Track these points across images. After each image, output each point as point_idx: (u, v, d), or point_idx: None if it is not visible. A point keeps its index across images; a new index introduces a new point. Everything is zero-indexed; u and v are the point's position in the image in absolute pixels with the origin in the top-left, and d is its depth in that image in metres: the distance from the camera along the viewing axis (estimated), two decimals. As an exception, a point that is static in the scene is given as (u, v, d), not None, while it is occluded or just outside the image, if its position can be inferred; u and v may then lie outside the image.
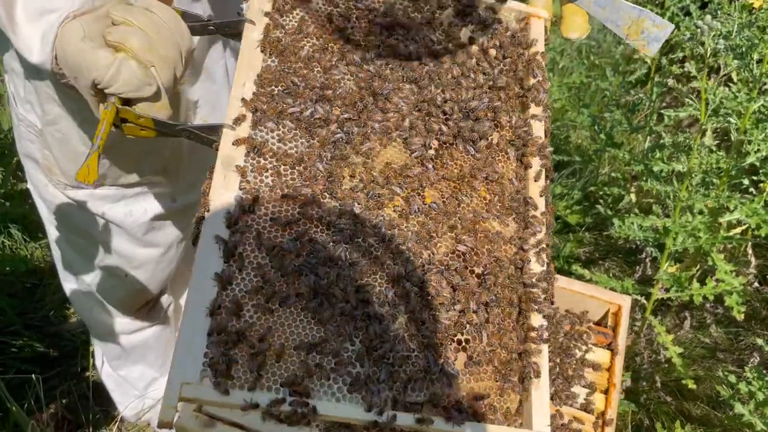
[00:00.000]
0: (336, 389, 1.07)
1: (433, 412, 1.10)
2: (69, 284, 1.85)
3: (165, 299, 1.98)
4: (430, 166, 1.31)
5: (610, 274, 2.47)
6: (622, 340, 1.66)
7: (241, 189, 1.13)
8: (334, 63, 1.30)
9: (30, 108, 1.46)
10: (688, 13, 3.13)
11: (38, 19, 1.07)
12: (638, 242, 2.41)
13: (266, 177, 1.16)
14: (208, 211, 1.10)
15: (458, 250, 1.25)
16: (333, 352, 1.08)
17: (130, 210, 1.64)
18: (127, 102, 1.09)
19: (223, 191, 1.12)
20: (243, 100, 1.20)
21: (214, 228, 1.10)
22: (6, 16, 1.07)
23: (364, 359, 1.09)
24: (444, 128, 1.32)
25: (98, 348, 2.10)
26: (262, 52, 1.26)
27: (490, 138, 1.34)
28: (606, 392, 1.61)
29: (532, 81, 1.39)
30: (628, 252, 2.75)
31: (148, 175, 1.60)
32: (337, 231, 1.16)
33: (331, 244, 1.15)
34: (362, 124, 1.28)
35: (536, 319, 1.24)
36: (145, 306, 1.92)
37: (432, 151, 1.32)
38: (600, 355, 1.65)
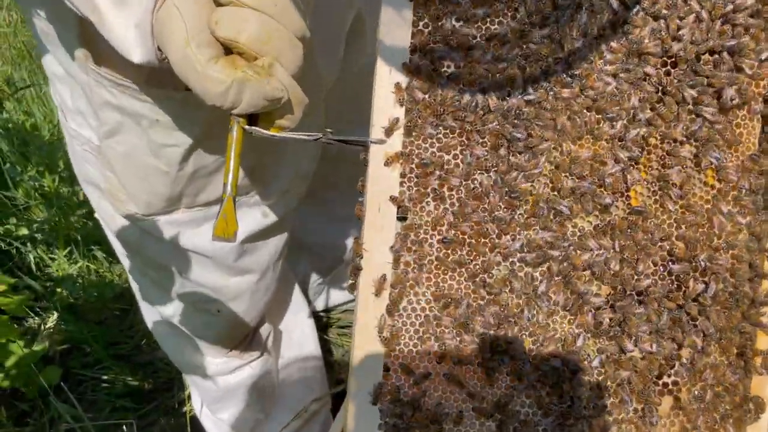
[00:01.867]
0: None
1: None
2: (155, 326, 1.53)
3: (264, 330, 1.63)
4: (637, 151, 0.89)
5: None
6: None
7: (398, 220, 0.90)
8: (508, 24, 0.87)
9: (82, 120, 1.11)
10: None
11: (125, 3, 0.78)
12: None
13: (427, 204, 0.90)
14: (362, 258, 0.90)
15: (669, 268, 0.95)
16: (517, 412, 0.93)
17: None
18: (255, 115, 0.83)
19: (378, 232, 0.90)
20: (396, 86, 0.87)
21: (371, 276, 0.91)
22: (88, 7, 0.77)
23: (552, 416, 0.93)
24: (664, 96, 0.89)
25: (194, 391, 1.78)
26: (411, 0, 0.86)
27: (730, 100, 0.89)
28: None
29: None
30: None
31: None
32: (517, 262, 0.92)
33: (511, 282, 0.92)
34: (546, 106, 0.87)
35: (764, 343, 1.00)
36: (243, 341, 1.57)
37: (642, 130, 0.89)
38: None
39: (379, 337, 0.88)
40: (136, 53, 0.80)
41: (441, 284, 0.90)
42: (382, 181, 0.88)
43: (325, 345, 2.21)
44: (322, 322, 2.32)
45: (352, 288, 0.91)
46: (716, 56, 0.91)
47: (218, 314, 1.42)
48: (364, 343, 0.89)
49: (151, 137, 1.07)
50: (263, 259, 1.43)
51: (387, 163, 0.87)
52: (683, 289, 0.94)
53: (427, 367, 0.90)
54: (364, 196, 0.89)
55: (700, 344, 0.95)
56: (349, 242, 2.01)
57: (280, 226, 1.41)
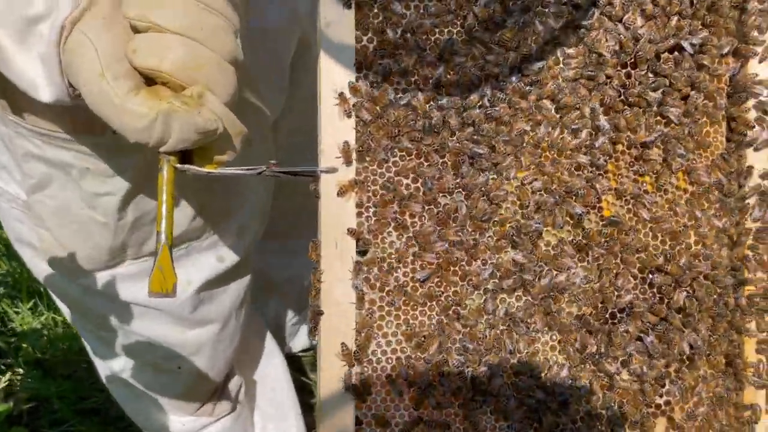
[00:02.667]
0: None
1: None
2: (114, 387, 1.40)
3: (234, 383, 1.51)
4: (603, 159, 0.82)
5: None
6: None
7: (358, 255, 0.79)
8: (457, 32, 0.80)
9: (6, 175, 1.00)
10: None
11: (25, 35, 0.68)
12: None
13: (389, 235, 0.80)
14: (318, 295, 0.79)
15: (650, 280, 0.87)
16: None
17: None
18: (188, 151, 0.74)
19: (338, 266, 0.79)
20: (340, 95, 0.77)
21: (333, 320, 0.80)
22: None
23: None
24: (629, 107, 0.83)
25: (163, 451, 1.64)
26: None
27: (694, 102, 0.83)
28: None
29: None
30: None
31: (181, 228, 1.12)
32: (492, 289, 0.82)
33: (486, 311, 0.82)
34: (506, 119, 0.79)
35: (751, 351, 0.93)
36: (212, 396, 1.44)
37: (608, 137, 0.82)
38: None
39: (347, 387, 0.78)
40: (45, 91, 0.70)
41: (411, 321, 0.80)
42: (337, 214, 0.79)
43: (305, 387, 2.08)
44: (301, 363, 2.20)
45: (313, 333, 0.81)
46: (677, 54, 0.85)
47: (179, 371, 1.30)
48: (331, 394, 0.78)
49: (84, 187, 0.96)
50: (224, 307, 1.31)
51: (340, 193, 0.78)
52: (666, 300, 0.86)
53: (404, 415, 0.79)
54: (318, 231, 0.79)
55: (688, 352, 0.87)
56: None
57: (239, 270, 1.30)
